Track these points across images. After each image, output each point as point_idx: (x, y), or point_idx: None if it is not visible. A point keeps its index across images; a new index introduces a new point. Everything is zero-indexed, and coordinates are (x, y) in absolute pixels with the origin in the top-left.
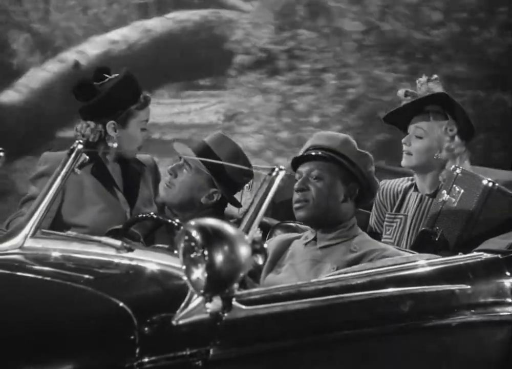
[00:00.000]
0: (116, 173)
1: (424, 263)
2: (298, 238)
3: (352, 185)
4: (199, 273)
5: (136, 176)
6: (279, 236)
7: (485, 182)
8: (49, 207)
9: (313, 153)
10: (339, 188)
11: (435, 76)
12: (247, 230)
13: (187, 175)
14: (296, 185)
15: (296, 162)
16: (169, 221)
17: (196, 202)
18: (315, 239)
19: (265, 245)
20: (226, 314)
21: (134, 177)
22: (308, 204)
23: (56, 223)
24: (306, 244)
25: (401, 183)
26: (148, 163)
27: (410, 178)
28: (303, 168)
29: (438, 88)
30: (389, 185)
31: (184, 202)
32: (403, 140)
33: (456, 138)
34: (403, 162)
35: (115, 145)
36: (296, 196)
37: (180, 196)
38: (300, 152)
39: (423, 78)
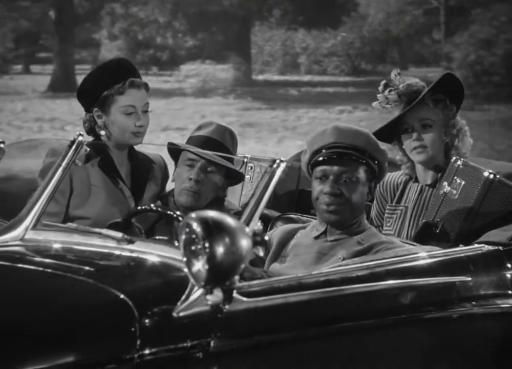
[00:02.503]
0: (125, 169)
1: (425, 255)
2: (303, 228)
3: (372, 183)
4: (200, 265)
5: (145, 172)
6: (284, 226)
7: (486, 174)
8: (50, 199)
9: (340, 153)
10: (364, 188)
11: (398, 70)
12: (247, 222)
13: (213, 177)
14: (327, 188)
15: (319, 161)
16: (170, 213)
17: (219, 199)
18: (324, 232)
19: (266, 237)
20: (226, 306)
21: (142, 173)
22: (345, 208)
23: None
24: (315, 237)
25: (401, 175)
26: (157, 161)
27: None
28: (331, 168)
29: (413, 79)
30: (389, 177)
31: (210, 203)
32: (413, 138)
33: (456, 114)
34: (419, 158)
35: (102, 132)
36: (325, 198)
37: (209, 199)
38: (316, 147)
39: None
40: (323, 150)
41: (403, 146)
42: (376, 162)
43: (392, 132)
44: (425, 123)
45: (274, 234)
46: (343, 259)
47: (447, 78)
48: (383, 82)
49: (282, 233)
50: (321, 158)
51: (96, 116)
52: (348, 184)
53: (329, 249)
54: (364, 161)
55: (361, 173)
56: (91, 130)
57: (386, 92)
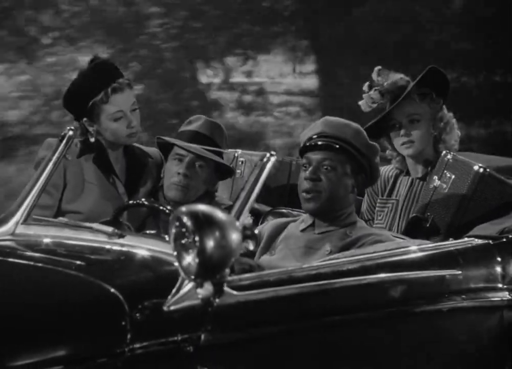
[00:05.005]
0: (120, 165)
1: (415, 249)
2: (294, 221)
3: (359, 176)
4: (190, 259)
5: (140, 168)
6: (275, 220)
7: (476, 167)
8: (41, 193)
9: (325, 142)
10: (348, 180)
11: (379, 67)
12: (237, 216)
13: (202, 172)
14: (307, 174)
15: (305, 148)
16: (160, 207)
17: (210, 193)
18: (312, 224)
19: (256, 231)
20: (217, 300)
21: (138, 168)
22: (320, 195)
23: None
24: (303, 230)
25: (392, 169)
26: (154, 155)
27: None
28: (314, 156)
29: (397, 74)
30: (380, 171)
31: (200, 198)
32: (401, 134)
33: (444, 107)
34: (407, 152)
35: (92, 139)
36: (305, 184)
37: (198, 194)
38: (306, 136)
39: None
40: (311, 139)
41: (393, 142)
42: (364, 156)
43: (381, 128)
44: (413, 119)
45: (265, 228)
46: (330, 252)
47: (431, 72)
48: (367, 83)
49: (273, 226)
50: (307, 144)
51: (86, 125)
52: (329, 171)
53: (317, 242)
54: (350, 153)
55: (346, 164)
56: (83, 136)
57: (371, 92)
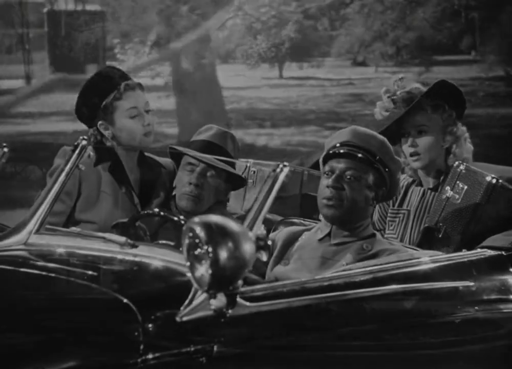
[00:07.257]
0: (134, 175)
1: (427, 260)
2: (308, 229)
3: (380, 190)
4: (203, 270)
5: (154, 178)
6: (289, 228)
7: (488, 178)
8: (54, 203)
9: (348, 151)
10: (369, 192)
11: (400, 75)
12: (251, 227)
13: (214, 181)
14: (329, 182)
15: (329, 156)
16: (174, 217)
17: (221, 203)
18: (328, 234)
19: (269, 242)
20: (230, 311)
21: (151, 179)
22: (342, 204)
23: (68, 219)
24: (320, 239)
25: (404, 179)
26: (167, 166)
27: None
28: (338, 164)
29: (414, 84)
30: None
31: (211, 208)
32: (408, 144)
33: (457, 120)
34: (415, 165)
35: (109, 143)
36: (327, 192)
37: (209, 203)
38: (331, 144)
39: (396, 77)
40: (336, 147)
41: (403, 150)
42: (387, 170)
43: (393, 135)
44: (421, 129)
45: (279, 235)
46: (347, 265)
47: (440, 84)
48: (384, 88)
49: (287, 234)
50: (331, 152)
51: (102, 129)
52: (352, 181)
53: (333, 254)
54: (373, 165)
55: (369, 176)
56: (98, 143)
57: (384, 99)
